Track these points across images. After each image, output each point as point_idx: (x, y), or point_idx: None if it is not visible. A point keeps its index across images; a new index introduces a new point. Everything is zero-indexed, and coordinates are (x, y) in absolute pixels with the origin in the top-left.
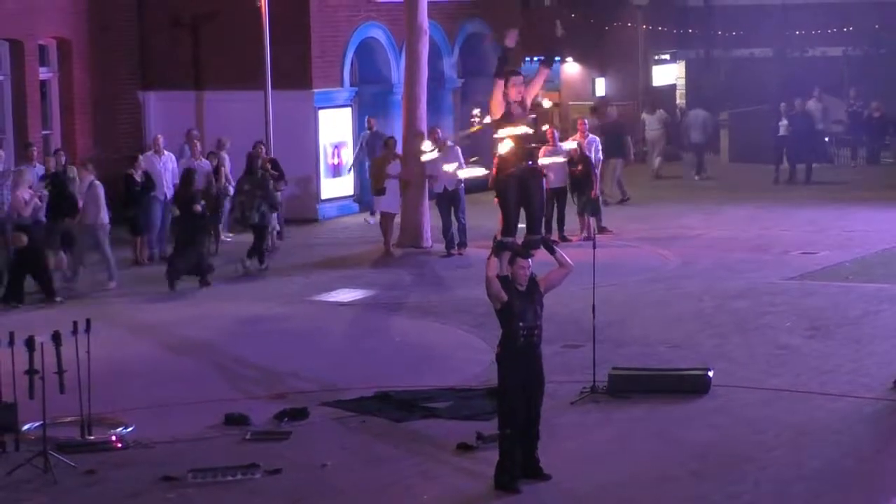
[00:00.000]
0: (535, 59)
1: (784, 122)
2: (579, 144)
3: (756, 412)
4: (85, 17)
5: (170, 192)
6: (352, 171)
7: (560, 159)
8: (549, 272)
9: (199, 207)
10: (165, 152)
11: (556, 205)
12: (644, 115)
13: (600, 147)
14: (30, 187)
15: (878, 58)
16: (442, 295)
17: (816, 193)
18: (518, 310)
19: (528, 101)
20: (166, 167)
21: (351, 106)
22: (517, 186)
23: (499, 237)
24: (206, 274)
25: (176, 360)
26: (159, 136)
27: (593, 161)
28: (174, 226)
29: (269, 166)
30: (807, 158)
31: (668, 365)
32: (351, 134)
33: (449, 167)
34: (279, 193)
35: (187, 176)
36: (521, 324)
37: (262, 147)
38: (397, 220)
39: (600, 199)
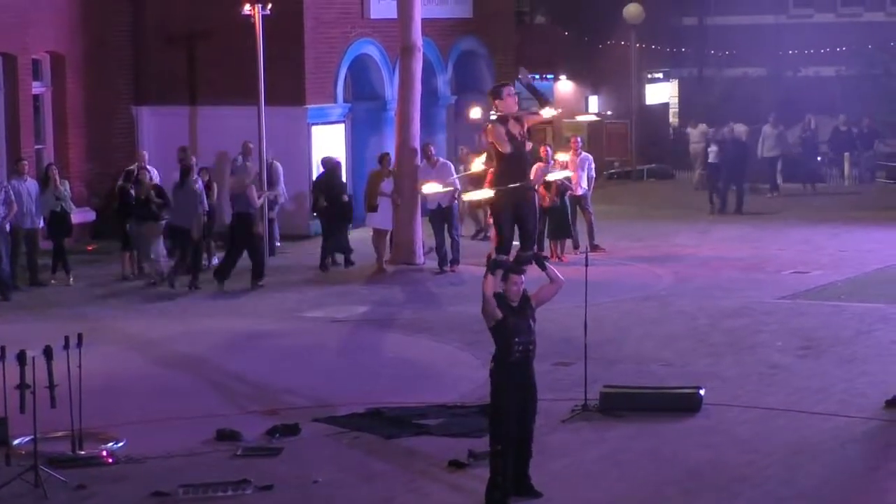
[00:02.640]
0: (533, 75)
1: (714, 148)
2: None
3: (748, 431)
4: (79, 31)
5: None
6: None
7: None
8: (540, 288)
9: (346, 197)
10: (148, 167)
11: (547, 220)
12: (689, 129)
13: (593, 165)
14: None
15: (872, 78)
16: (435, 312)
17: (807, 213)
18: (512, 326)
19: (526, 123)
20: None
21: (344, 122)
22: (511, 205)
23: (493, 255)
24: (349, 253)
25: (168, 375)
26: (143, 152)
27: (586, 179)
28: (320, 215)
29: (152, 193)
30: (738, 186)
31: (660, 383)
32: (344, 150)
33: (428, 188)
34: (162, 223)
35: (333, 169)
36: (516, 339)
37: (147, 172)
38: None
39: (592, 218)
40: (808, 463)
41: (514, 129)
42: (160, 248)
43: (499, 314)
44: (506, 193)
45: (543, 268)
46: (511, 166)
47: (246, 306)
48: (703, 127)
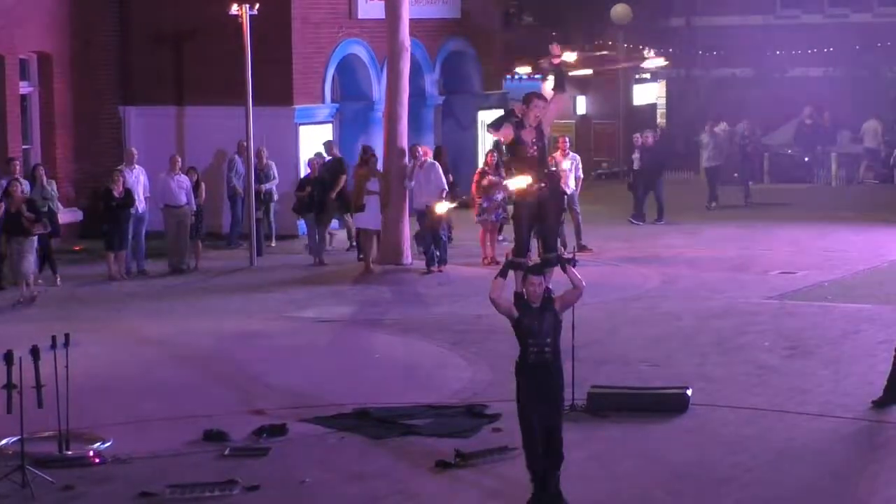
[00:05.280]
0: (520, 76)
1: (636, 155)
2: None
3: (735, 432)
4: (66, 31)
5: (142, 206)
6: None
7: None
8: (564, 292)
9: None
10: (136, 166)
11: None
12: (744, 123)
13: (580, 165)
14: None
15: (859, 79)
16: (422, 312)
17: (795, 214)
18: (527, 327)
19: (546, 128)
20: (137, 180)
21: (332, 122)
22: (532, 206)
23: (510, 256)
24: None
25: (155, 376)
26: (133, 149)
27: (573, 179)
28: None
29: (24, 208)
30: (657, 193)
31: (647, 384)
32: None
33: (441, 207)
34: (34, 239)
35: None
36: (530, 340)
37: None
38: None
39: (580, 218)
40: (794, 464)
41: (527, 136)
42: (31, 265)
43: (514, 313)
44: (523, 192)
45: (564, 270)
46: (523, 168)
47: (233, 307)
48: (723, 125)
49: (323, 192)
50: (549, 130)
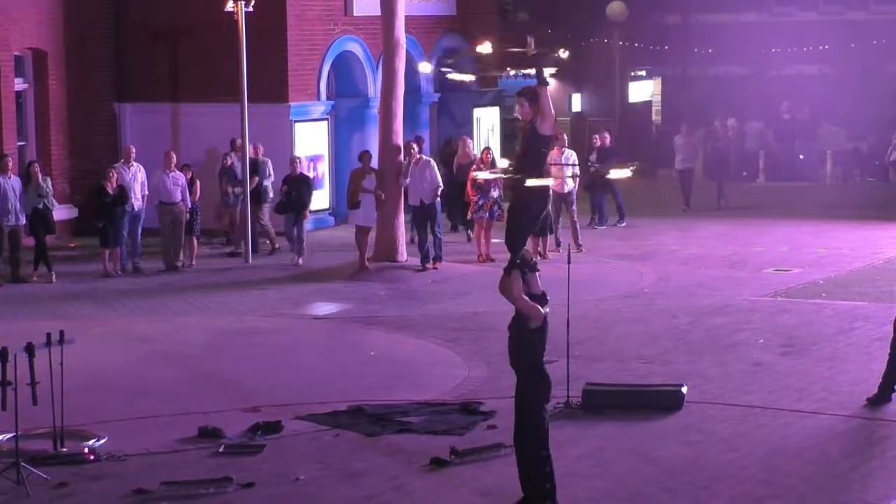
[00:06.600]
0: (515, 73)
1: (593, 156)
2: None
3: (730, 429)
4: (62, 28)
5: (138, 204)
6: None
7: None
8: None
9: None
10: (134, 163)
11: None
12: (716, 124)
13: (577, 161)
14: None
15: (854, 76)
16: (417, 309)
17: (790, 212)
18: None
19: (546, 126)
20: (136, 178)
21: (327, 119)
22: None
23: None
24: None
25: (150, 373)
26: (131, 146)
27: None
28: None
29: None
30: (606, 195)
31: (642, 381)
32: (327, 147)
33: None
34: None
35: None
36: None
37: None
38: (372, 234)
39: (575, 216)
40: (788, 461)
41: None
42: None
43: None
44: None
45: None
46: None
47: (228, 304)
48: (731, 122)
49: (300, 192)
50: (555, 128)
